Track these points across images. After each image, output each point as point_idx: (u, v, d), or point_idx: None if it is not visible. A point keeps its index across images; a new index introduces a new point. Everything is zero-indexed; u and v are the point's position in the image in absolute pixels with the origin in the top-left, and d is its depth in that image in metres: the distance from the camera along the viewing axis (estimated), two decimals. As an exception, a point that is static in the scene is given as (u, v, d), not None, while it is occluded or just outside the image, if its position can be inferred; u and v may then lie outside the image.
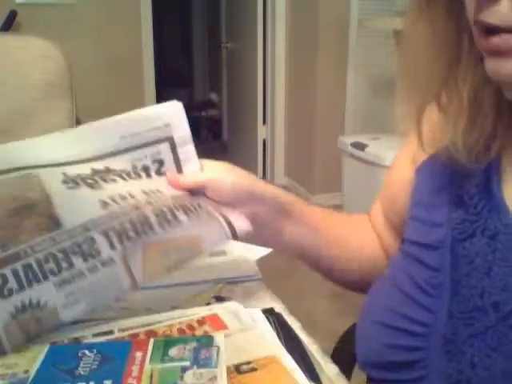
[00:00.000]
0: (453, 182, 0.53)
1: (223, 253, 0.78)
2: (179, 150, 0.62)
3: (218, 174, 0.63)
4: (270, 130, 4.02)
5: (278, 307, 0.63)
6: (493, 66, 0.42)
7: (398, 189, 0.64)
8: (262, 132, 4.08)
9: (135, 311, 0.62)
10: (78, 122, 1.31)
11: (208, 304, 0.64)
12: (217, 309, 0.60)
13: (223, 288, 0.68)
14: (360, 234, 0.73)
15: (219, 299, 0.66)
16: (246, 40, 4.07)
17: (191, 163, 0.63)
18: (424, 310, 0.51)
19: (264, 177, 4.12)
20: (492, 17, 0.40)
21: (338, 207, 3.03)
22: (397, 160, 0.67)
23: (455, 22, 0.46)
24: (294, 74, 3.77)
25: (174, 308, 0.63)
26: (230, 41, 4.44)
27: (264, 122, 4.06)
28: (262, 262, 0.76)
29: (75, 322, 0.59)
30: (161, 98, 4.17)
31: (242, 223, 0.60)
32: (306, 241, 0.68)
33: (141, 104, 3.52)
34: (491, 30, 0.40)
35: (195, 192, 0.61)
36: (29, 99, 1.21)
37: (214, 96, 5.44)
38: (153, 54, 3.68)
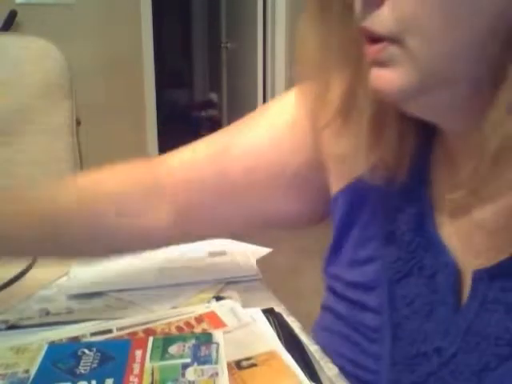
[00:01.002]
0: (382, 215, 0.50)
1: (223, 253, 0.78)
2: None
3: None
4: (270, 130, 4.01)
5: (278, 307, 0.63)
6: (374, 77, 0.40)
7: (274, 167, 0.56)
8: (261, 132, 4.08)
9: (135, 311, 0.62)
10: (78, 122, 1.31)
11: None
12: (214, 307, 0.60)
13: (223, 288, 0.68)
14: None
15: (219, 299, 0.66)
16: (246, 40, 4.07)
17: None
18: (369, 357, 0.49)
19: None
20: (374, 23, 0.38)
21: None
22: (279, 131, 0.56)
23: (351, 30, 0.42)
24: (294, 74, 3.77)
25: (173, 308, 0.63)
26: (230, 41, 4.44)
27: (264, 122, 4.05)
28: (262, 261, 0.76)
29: (73, 322, 0.59)
30: (161, 98, 4.17)
31: None
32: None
33: (141, 104, 3.47)
34: (376, 39, 0.38)
35: None
36: (29, 99, 1.21)
37: (213, 96, 5.44)
38: (153, 54, 3.68)
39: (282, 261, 2.59)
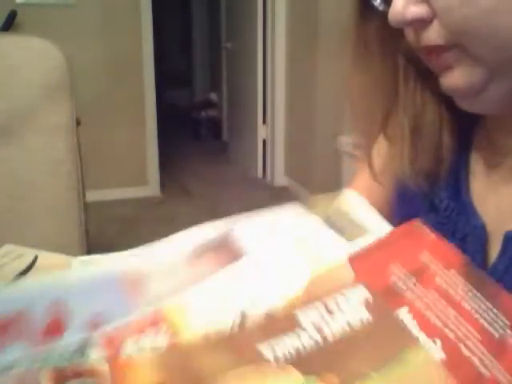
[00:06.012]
0: (425, 188, 0.55)
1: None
2: None
3: None
4: (270, 129, 4.02)
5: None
6: (446, 81, 0.46)
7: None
8: (261, 132, 4.08)
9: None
10: (78, 122, 1.32)
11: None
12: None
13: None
14: None
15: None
16: (246, 40, 4.07)
17: None
18: None
19: (264, 177, 4.13)
20: (430, 38, 0.44)
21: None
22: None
23: (391, 59, 0.51)
24: (294, 74, 3.77)
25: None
26: (230, 41, 4.45)
27: (264, 121, 4.06)
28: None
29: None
30: (161, 98, 4.17)
31: None
32: None
33: (141, 104, 3.48)
34: (436, 51, 0.44)
35: None
36: (29, 99, 1.21)
37: (213, 96, 5.44)
38: (153, 54, 3.68)
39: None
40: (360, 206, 0.39)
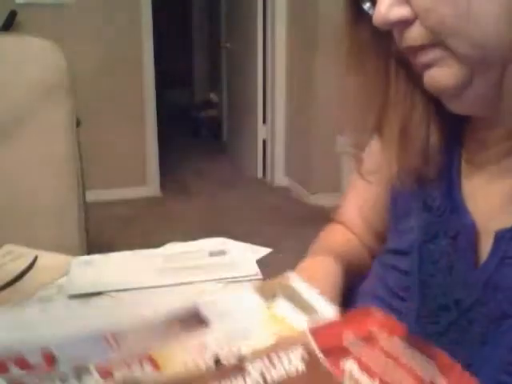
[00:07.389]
0: (418, 187, 0.56)
1: (223, 253, 0.78)
2: None
3: None
4: (270, 129, 4.02)
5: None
6: (428, 78, 0.47)
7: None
8: (261, 132, 4.08)
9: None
10: (78, 122, 1.31)
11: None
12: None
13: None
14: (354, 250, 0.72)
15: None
16: (246, 40, 4.07)
17: None
18: (394, 312, 0.53)
19: (264, 177, 4.12)
20: (411, 39, 0.46)
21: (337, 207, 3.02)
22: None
23: (383, 61, 0.53)
24: (294, 74, 3.77)
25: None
26: (230, 41, 4.44)
27: (264, 121, 4.05)
28: (262, 261, 0.76)
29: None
30: (161, 98, 4.17)
31: None
32: None
33: (141, 104, 3.48)
34: (419, 49, 0.46)
35: None
36: (29, 99, 1.21)
37: (213, 96, 5.44)
38: (153, 54, 3.68)
39: (282, 261, 2.59)
40: (304, 288, 0.46)
